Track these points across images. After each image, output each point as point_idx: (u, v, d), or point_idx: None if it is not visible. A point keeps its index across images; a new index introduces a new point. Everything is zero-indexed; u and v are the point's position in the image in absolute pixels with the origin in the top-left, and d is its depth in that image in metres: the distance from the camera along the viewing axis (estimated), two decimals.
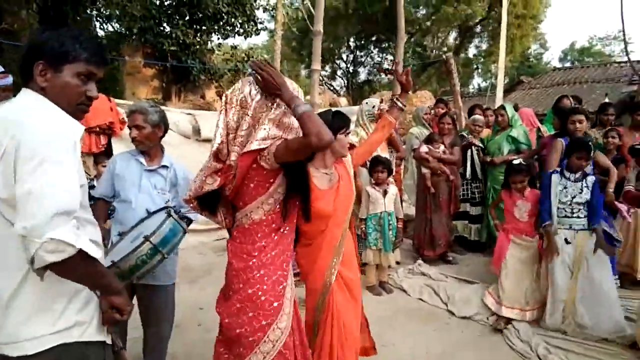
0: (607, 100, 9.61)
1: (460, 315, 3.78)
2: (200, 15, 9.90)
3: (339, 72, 25.77)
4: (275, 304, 1.84)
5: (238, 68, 11.70)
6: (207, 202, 1.91)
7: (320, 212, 2.23)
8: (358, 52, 24.36)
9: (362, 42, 23.33)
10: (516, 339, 3.36)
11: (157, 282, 2.57)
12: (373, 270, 4.30)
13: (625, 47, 9.37)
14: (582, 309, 3.38)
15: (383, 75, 24.65)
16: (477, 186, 5.47)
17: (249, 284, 1.84)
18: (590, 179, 3.56)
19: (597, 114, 5.32)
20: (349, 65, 24.87)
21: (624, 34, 8.99)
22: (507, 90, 19.30)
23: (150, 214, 2.44)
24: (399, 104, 2.54)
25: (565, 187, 3.52)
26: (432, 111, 6.03)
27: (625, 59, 10.00)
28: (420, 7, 20.93)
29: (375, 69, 24.80)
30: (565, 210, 3.54)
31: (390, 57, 23.22)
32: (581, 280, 3.42)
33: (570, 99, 4.88)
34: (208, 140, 6.03)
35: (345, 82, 25.49)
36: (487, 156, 5.38)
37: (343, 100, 17.78)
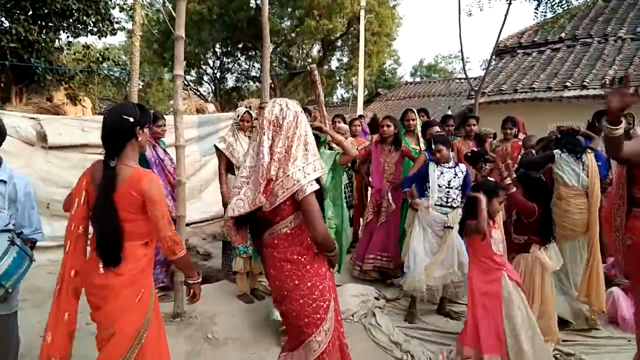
0: (449, 112, 10.85)
1: None
2: (46, 10, 8.89)
3: (205, 78, 25.15)
4: (329, 286, 2.22)
5: (92, 69, 10.76)
6: (241, 221, 2.17)
7: None
8: (225, 59, 24.00)
9: (229, 48, 23.05)
10: (379, 334, 3.61)
11: None
12: (244, 278, 4.26)
13: (464, 66, 10.68)
14: (438, 271, 3.82)
15: (251, 83, 24.72)
16: (344, 192, 5.74)
17: (306, 279, 2.14)
18: (462, 166, 4.08)
19: (439, 124, 5.99)
20: (215, 71, 24.38)
21: (462, 54, 10.25)
22: (367, 101, 20.73)
23: None
24: None
25: (442, 173, 3.96)
26: None
27: (465, 75, 11.37)
28: (285, 19, 21.40)
29: (243, 76, 24.74)
30: (442, 199, 3.94)
31: (257, 65, 23.38)
32: (445, 249, 3.84)
33: (415, 111, 5.37)
34: (55, 148, 5.46)
35: (213, 88, 24.97)
36: None
37: (210, 106, 17.32)
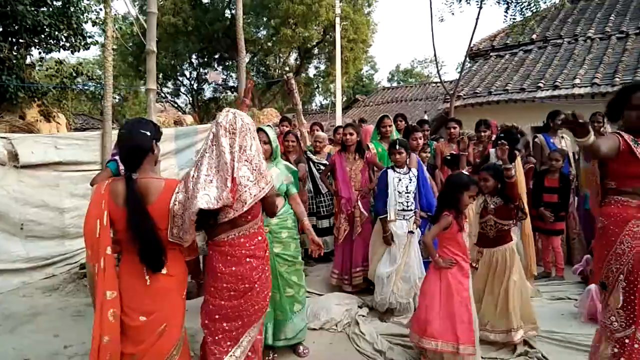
0: (425, 117, 10.98)
1: (310, 327, 3.84)
2: (17, 27, 8.71)
3: (182, 89, 24.98)
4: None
5: (65, 84, 10.57)
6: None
7: None
8: (202, 69, 23.91)
9: (206, 59, 23.00)
10: (363, 342, 3.58)
11: None
12: None
13: (438, 71, 10.83)
14: (400, 284, 3.99)
15: (229, 92, 24.63)
16: (321, 200, 5.74)
17: (266, 271, 2.45)
18: (414, 171, 4.22)
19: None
20: (193, 82, 24.27)
21: (435, 59, 10.40)
22: (346, 108, 20.82)
23: None
24: None
25: (400, 179, 4.09)
26: (277, 129, 6.21)
27: (440, 80, 11.52)
28: (261, 28, 21.45)
29: (220, 87, 24.63)
30: (403, 204, 4.07)
31: (234, 75, 23.33)
32: (405, 259, 4.03)
33: (390, 117, 5.39)
34: (28, 167, 5.34)
35: (190, 99, 24.81)
36: None
37: (189, 118, 17.19)
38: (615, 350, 2.30)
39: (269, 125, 3.90)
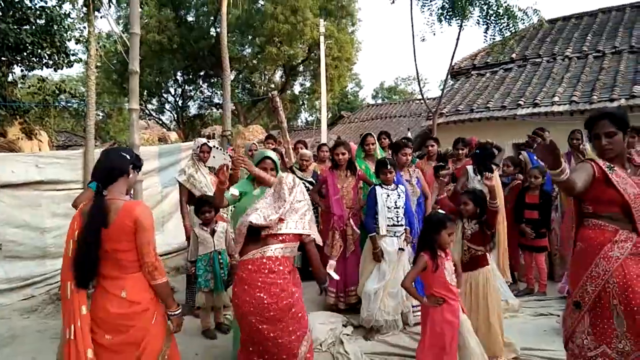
0: (409, 134, 11.11)
1: None
2: None
3: (167, 106, 24.90)
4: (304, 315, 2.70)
5: (48, 102, 10.48)
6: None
7: None
8: (187, 86, 23.92)
9: (190, 76, 23.02)
10: None
11: None
12: (208, 313, 4.16)
13: (420, 89, 11.00)
14: (387, 300, 3.98)
15: (214, 109, 24.62)
16: None
17: (285, 304, 2.56)
18: (402, 187, 4.27)
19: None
20: (178, 99, 24.22)
21: (417, 78, 10.58)
22: (331, 124, 20.97)
23: None
24: None
25: (388, 195, 4.16)
26: (262, 146, 6.23)
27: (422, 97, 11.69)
28: (246, 46, 21.59)
29: (205, 103, 24.62)
30: (393, 219, 4.13)
31: (220, 92, 23.38)
32: (394, 275, 4.00)
33: (374, 135, 5.41)
34: (8, 186, 5.26)
35: (175, 116, 24.74)
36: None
37: (173, 135, 17.15)
38: None
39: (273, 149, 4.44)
